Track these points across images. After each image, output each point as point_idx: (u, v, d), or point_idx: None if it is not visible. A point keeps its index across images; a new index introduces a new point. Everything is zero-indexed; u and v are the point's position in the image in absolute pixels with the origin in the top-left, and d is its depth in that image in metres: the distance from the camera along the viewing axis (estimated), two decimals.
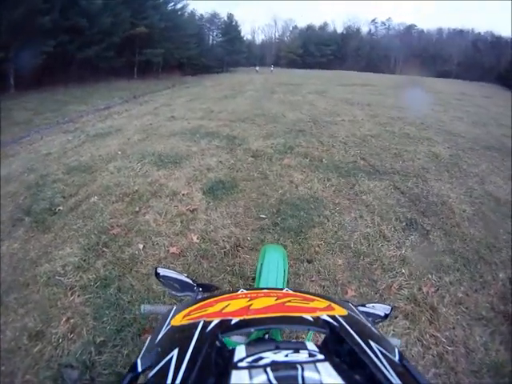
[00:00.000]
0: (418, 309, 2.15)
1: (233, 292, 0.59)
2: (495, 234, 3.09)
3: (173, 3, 31.47)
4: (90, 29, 19.45)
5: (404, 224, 3.15)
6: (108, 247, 2.77)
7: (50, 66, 17.29)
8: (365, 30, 72.22)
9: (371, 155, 5.06)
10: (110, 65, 23.07)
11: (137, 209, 3.33)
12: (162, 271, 0.83)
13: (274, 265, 1.16)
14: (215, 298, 0.56)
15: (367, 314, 0.78)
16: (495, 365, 1.80)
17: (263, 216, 3.21)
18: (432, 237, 2.97)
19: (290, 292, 0.59)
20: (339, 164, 4.63)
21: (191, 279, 0.84)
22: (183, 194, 3.60)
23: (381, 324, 1.98)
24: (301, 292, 0.59)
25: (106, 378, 1.69)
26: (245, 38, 60.57)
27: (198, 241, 2.83)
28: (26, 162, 5.36)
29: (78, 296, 2.24)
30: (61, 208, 3.48)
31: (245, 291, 0.59)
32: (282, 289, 0.61)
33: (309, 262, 2.58)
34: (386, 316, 0.80)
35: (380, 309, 0.80)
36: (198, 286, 0.83)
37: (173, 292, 0.82)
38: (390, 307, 0.81)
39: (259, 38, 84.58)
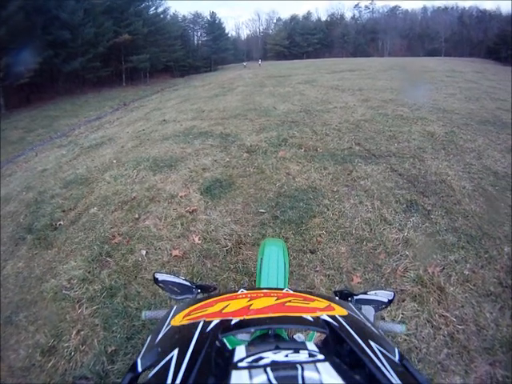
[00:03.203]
0: (425, 290, 2.15)
1: (233, 292, 0.59)
2: (497, 209, 3.08)
3: (154, 7, 31.29)
4: (74, 41, 19.45)
5: (404, 206, 3.14)
6: (111, 256, 2.77)
7: (38, 82, 17.25)
8: (349, 15, 72.25)
9: (366, 140, 5.04)
10: (97, 75, 23.05)
11: (136, 216, 3.33)
12: (160, 276, 0.83)
13: (274, 259, 1.15)
14: (215, 298, 0.56)
15: (370, 302, 0.78)
16: (507, 340, 1.79)
17: (262, 210, 3.21)
18: (433, 216, 2.96)
19: (290, 292, 0.59)
20: (334, 151, 4.62)
21: (189, 281, 0.84)
22: (181, 197, 3.59)
23: (389, 308, 1.99)
24: (301, 292, 0.59)
25: None
26: (230, 35, 60.52)
27: (199, 241, 2.83)
28: (23, 180, 5.38)
29: (86, 308, 2.25)
30: (61, 223, 3.48)
31: (245, 291, 0.59)
32: (282, 289, 0.61)
33: (312, 252, 2.59)
34: (390, 302, 0.80)
35: (383, 295, 0.80)
36: (197, 287, 0.83)
37: (172, 296, 0.82)
38: (392, 293, 0.80)
39: (244, 34, 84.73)
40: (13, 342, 2.11)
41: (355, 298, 0.79)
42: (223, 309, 0.50)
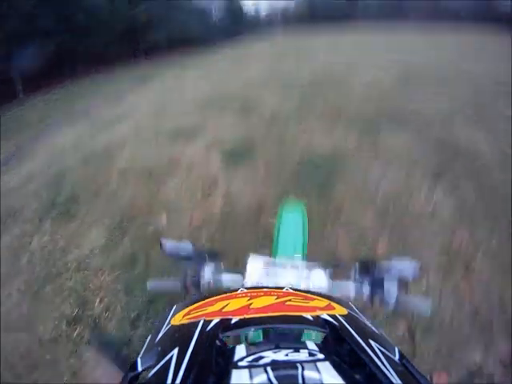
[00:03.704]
0: (451, 262, 2.09)
1: (233, 291, 0.59)
2: None
3: None
4: (90, 21, 19.39)
5: (432, 176, 3.02)
6: (132, 225, 2.82)
7: (55, 64, 17.45)
8: None
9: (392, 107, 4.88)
10: (115, 53, 23.14)
11: (157, 185, 3.37)
12: (167, 242, 0.82)
13: (292, 225, 1.16)
14: (215, 297, 0.56)
15: (393, 271, 0.75)
16: None
17: (285, 177, 3.18)
18: (461, 186, 2.85)
19: (291, 291, 0.60)
20: (360, 119, 4.50)
21: (197, 246, 0.84)
22: (202, 165, 3.60)
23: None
24: (301, 291, 0.60)
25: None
26: (248, 9, 58.92)
27: (220, 209, 2.84)
28: (44, 157, 5.48)
29: (108, 275, 2.31)
30: (83, 195, 3.55)
31: (245, 290, 0.59)
32: (282, 288, 0.62)
33: (335, 219, 2.54)
34: (415, 274, 0.74)
35: (407, 266, 0.75)
36: (203, 252, 0.83)
37: (181, 261, 0.81)
38: (417, 264, 0.75)
39: (264, 7, 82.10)
40: (41, 315, 2.18)
41: (378, 266, 0.76)
42: (223, 308, 0.50)
